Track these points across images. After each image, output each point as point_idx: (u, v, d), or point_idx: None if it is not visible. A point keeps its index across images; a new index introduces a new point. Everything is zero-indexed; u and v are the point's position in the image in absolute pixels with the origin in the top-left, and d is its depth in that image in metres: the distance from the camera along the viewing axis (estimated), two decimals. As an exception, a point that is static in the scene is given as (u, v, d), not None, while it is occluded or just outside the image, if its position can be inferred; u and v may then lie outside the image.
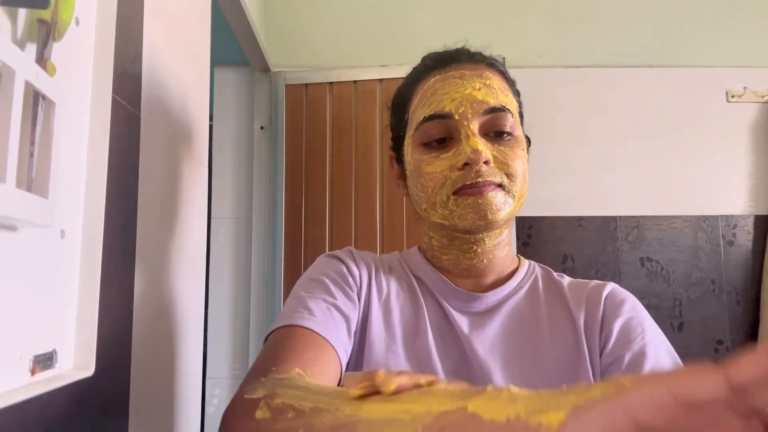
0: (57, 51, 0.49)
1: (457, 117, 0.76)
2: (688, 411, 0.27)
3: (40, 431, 0.48)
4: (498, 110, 0.77)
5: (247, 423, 0.55)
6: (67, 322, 0.53)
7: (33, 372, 0.46)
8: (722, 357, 1.83)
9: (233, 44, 1.77)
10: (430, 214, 0.80)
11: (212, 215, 1.96)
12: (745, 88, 2.06)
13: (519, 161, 0.77)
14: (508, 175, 0.76)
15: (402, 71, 1.86)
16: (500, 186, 0.76)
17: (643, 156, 2.04)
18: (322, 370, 0.66)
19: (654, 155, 2.04)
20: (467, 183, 0.75)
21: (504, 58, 1.85)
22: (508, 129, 0.77)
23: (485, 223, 0.75)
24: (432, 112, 0.78)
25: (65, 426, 0.52)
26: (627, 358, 0.73)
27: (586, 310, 0.80)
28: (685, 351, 1.92)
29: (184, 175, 0.93)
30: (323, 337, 0.70)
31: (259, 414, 0.53)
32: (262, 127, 1.97)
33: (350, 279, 0.82)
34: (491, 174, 0.75)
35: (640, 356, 0.72)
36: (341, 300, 0.78)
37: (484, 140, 0.76)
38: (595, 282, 0.84)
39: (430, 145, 0.79)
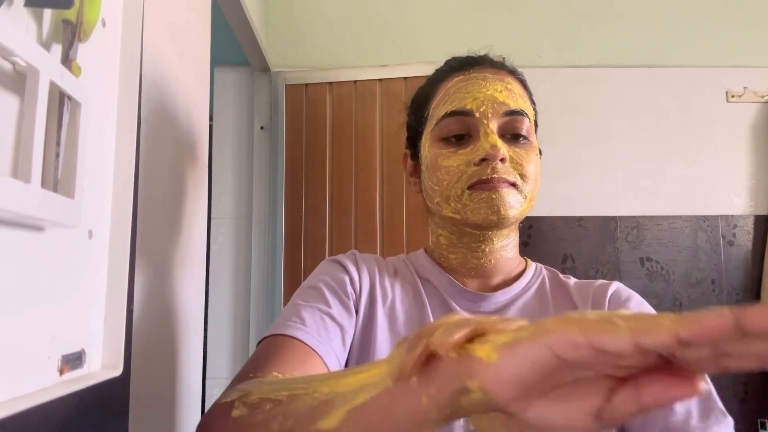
0: (83, 52, 0.49)
1: (477, 115, 0.78)
2: (598, 352, 0.33)
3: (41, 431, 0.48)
4: (517, 113, 0.79)
5: (225, 423, 0.55)
6: (96, 322, 0.54)
7: (61, 372, 0.47)
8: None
9: (233, 44, 1.77)
10: (442, 208, 0.81)
11: (212, 215, 1.96)
12: (745, 88, 2.06)
13: (533, 164, 0.80)
14: (522, 176, 0.78)
15: (402, 71, 1.88)
16: (514, 185, 0.78)
17: (643, 156, 2.04)
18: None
19: (654, 155, 2.04)
20: (483, 178, 0.77)
21: (504, 58, 1.85)
22: (524, 133, 0.80)
23: (497, 219, 0.77)
24: (453, 109, 0.80)
25: (65, 426, 0.52)
26: None
27: (592, 307, 0.81)
28: (685, 351, 1.92)
29: (184, 174, 0.93)
30: (310, 347, 0.71)
31: (236, 413, 0.54)
32: (262, 127, 1.97)
33: (348, 287, 0.82)
34: (506, 172, 0.77)
35: None
36: (336, 309, 0.78)
37: (501, 140, 0.78)
38: (600, 281, 0.85)
39: (448, 140, 0.81)
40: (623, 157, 2.04)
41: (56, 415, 0.50)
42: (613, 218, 2.01)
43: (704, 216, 2.02)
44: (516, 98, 0.80)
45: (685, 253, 2.01)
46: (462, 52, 0.88)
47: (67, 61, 0.45)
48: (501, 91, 0.79)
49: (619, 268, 1.99)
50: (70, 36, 0.46)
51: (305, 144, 1.94)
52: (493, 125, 0.78)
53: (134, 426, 0.69)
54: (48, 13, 0.45)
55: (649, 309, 0.81)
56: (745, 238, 2.02)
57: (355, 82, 1.94)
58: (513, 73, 0.85)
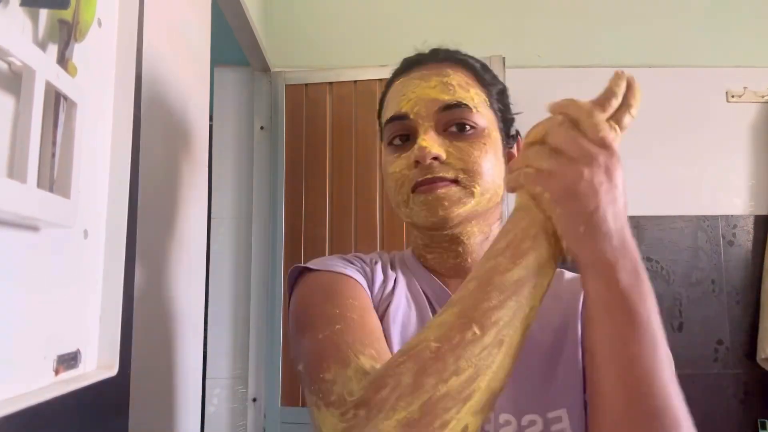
0: (79, 52, 0.50)
1: (412, 117, 0.78)
2: None
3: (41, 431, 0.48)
4: (453, 106, 0.77)
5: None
6: (91, 322, 0.54)
7: (57, 372, 0.47)
8: (722, 357, 1.81)
9: (233, 44, 1.77)
10: (400, 212, 0.82)
11: (212, 215, 1.96)
12: (745, 88, 2.06)
13: (479, 155, 0.76)
14: (465, 171, 0.76)
15: (402, 71, 1.87)
16: (455, 182, 0.76)
17: (643, 156, 2.03)
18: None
19: (654, 155, 2.04)
20: (419, 180, 0.76)
21: (504, 58, 1.86)
22: (470, 122, 0.77)
23: (437, 220, 0.76)
24: (392, 114, 0.80)
25: (65, 426, 0.52)
26: None
27: (579, 300, 0.79)
28: (685, 351, 1.93)
29: (184, 175, 0.93)
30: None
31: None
32: (262, 127, 1.97)
33: (362, 265, 0.83)
34: (444, 170, 0.75)
35: None
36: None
37: (440, 137, 0.77)
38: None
39: (394, 145, 0.81)
40: (623, 157, 2.02)
41: (56, 415, 0.50)
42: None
43: (704, 216, 2.02)
44: (453, 90, 0.78)
45: (685, 253, 2.00)
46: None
47: (63, 61, 0.45)
48: (434, 87, 0.78)
49: (619, 268, 1.98)
50: (66, 36, 0.46)
51: (305, 144, 1.94)
52: (429, 124, 0.77)
53: (134, 426, 0.69)
54: (44, 13, 0.45)
55: None
56: (745, 238, 2.02)
57: (355, 82, 1.94)
58: (459, 61, 0.82)
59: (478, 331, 0.51)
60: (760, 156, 2.04)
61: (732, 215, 2.02)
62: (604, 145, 0.56)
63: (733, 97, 2.06)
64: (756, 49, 2.09)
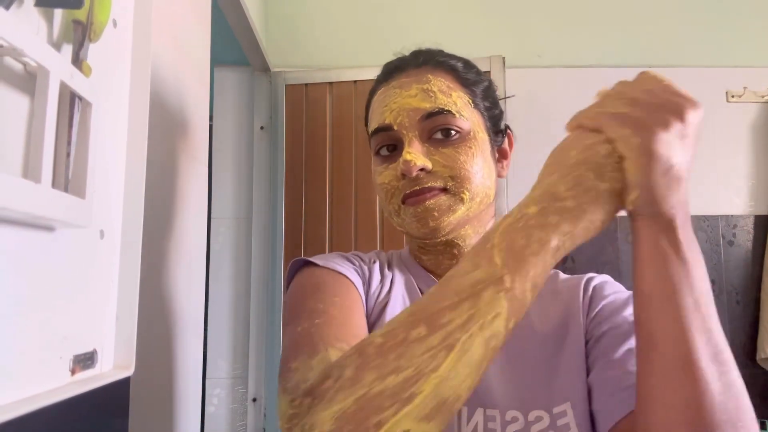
0: (93, 52, 0.50)
1: (396, 128, 0.77)
2: None
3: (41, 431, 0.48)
4: (435, 113, 0.76)
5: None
6: (107, 321, 0.54)
7: (73, 372, 0.47)
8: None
9: (233, 44, 1.77)
10: (392, 221, 0.82)
11: (212, 215, 1.96)
12: (745, 88, 2.07)
13: (466, 160, 0.76)
14: (453, 178, 0.75)
15: (402, 71, 1.87)
16: (445, 190, 0.76)
17: (643, 156, 2.04)
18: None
19: (654, 155, 2.04)
20: (407, 192, 0.76)
21: (504, 58, 1.86)
22: (452, 128, 0.77)
23: (429, 231, 0.76)
24: (376, 126, 0.80)
25: (64, 426, 0.52)
26: (606, 328, 0.73)
27: (581, 296, 0.79)
28: (685, 351, 1.93)
29: (184, 174, 0.93)
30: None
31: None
32: (262, 127, 1.97)
33: (360, 264, 0.83)
34: (431, 179, 0.75)
35: (621, 325, 0.72)
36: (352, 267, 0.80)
37: (425, 146, 0.77)
38: (590, 274, 0.85)
39: (381, 156, 0.81)
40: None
41: (56, 415, 0.50)
42: (613, 218, 2.00)
43: (704, 216, 2.02)
44: (434, 97, 0.77)
45: (685, 253, 2.01)
46: (460, 51, 0.87)
47: (77, 61, 0.45)
48: (415, 95, 0.77)
49: (620, 268, 1.99)
50: (80, 36, 0.45)
51: (305, 144, 1.94)
52: (414, 133, 0.76)
53: (134, 426, 0.69)
54: (58, 14, 0.45)
55: (619, 286, 0.82)
56: (745, 238, 2.02)
57: (355, 82, 1.94)
58: (440, 64, 0.81)
59: (424, 331, 0.48)
60: (760, 156, 2.05)
61: (732, 215, 2.03)
62: (686, 96, 0.53)
63: (733, 97, 2.07)
64: (756, 49, 2.10)
